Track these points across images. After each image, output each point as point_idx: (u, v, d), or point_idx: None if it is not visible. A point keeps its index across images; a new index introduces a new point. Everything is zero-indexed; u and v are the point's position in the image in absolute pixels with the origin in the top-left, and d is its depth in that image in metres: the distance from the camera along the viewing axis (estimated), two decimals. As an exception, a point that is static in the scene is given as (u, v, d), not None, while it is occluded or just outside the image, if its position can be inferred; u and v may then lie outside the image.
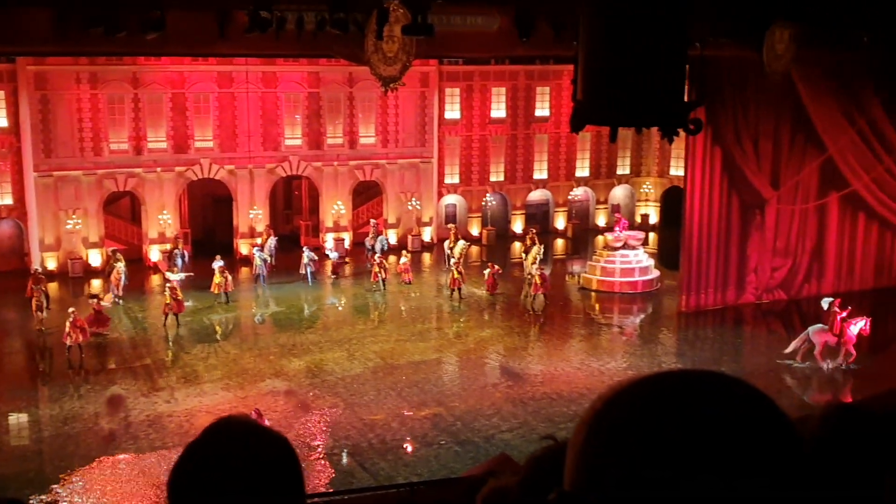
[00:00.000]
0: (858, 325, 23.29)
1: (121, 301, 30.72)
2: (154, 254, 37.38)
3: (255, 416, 18.34)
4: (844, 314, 23.57)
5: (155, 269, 36.53)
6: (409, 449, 19.41)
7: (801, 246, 30.02)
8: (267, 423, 18.60)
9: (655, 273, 32.87)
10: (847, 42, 23.21)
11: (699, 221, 28.46)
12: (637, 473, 1.11)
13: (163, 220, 37.84)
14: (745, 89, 27.17)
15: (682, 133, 5.90)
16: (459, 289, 31.09)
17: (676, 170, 40.67)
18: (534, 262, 32.90)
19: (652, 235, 41.59)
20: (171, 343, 26.75)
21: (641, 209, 46.16)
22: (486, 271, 31.93)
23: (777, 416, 1.18)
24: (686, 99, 5.66)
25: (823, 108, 28.08)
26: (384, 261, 33.33)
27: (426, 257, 39.89)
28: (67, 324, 24.10)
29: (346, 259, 37.43)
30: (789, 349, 24.09)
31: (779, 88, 26.09)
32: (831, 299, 24.80)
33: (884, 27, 22.45)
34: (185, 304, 28.57)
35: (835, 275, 30.42)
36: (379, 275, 32.22)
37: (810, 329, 23.89)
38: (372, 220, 40.38)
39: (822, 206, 29.92)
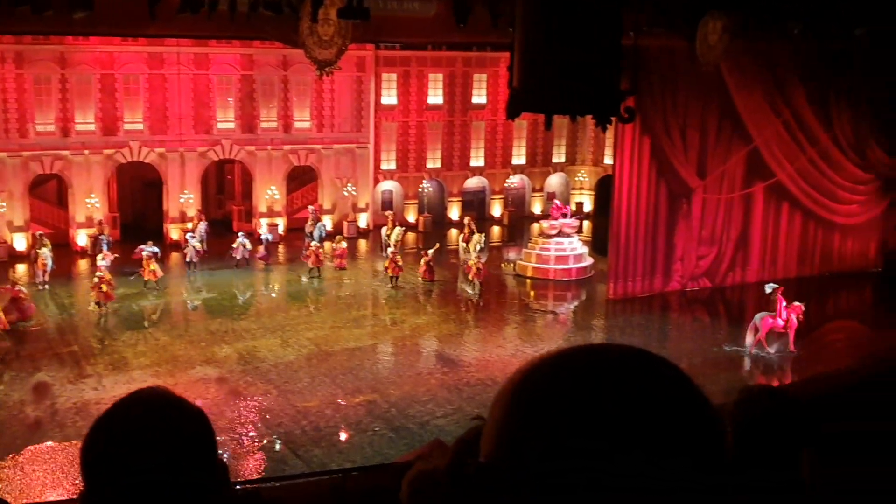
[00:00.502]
0: (796, 312, 23.98)
1: (47, 286, 30.14)
2: (81, 238, 36.75)
3: None
4: (785, 301, 24.19)
5: (82, 253, 35.93)
6: (344, 436, 19.40)
7: (726, 235, 30.45)
8: None
9: (589, 260, 33.23)
10: (778, 33, 23.64)
11: (627, 210, 28.73)
12: (554, 445, 1.11)
13: (90, 204, 37.21)
14: (674, 79, 27.47)
15: (615, 121, 5.97)
16: (396, 277, 31.06)
17: (611, 158, 40.99)
18: (474, 251, 33.10)
19: (586, 223, 42.00)
20: (99, 329, 26.28)
21: (576, 197, 46.60)
22: (423, 259, 31.92)
23: (697, 396, 1.19)
24: (620, 87, 5.73)
25: (750, 99, 28.50)
26: (321, 248, 33.15)
27: (362, 244, 39.81)
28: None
29: (278, 242, 37.00)
30: (748, 345, 24.37)
31: (707, 79, 26.44)
32: (775, 285, 25.39)
33: (813, 18, 22.89)
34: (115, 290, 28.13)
35: (759, 263, 31.01)
36: (318, 260, 32.08)
37: (756, 317, 24.43)
38: (310, 207, 40.11)
39: (748, 195, 30.37)
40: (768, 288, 25.26)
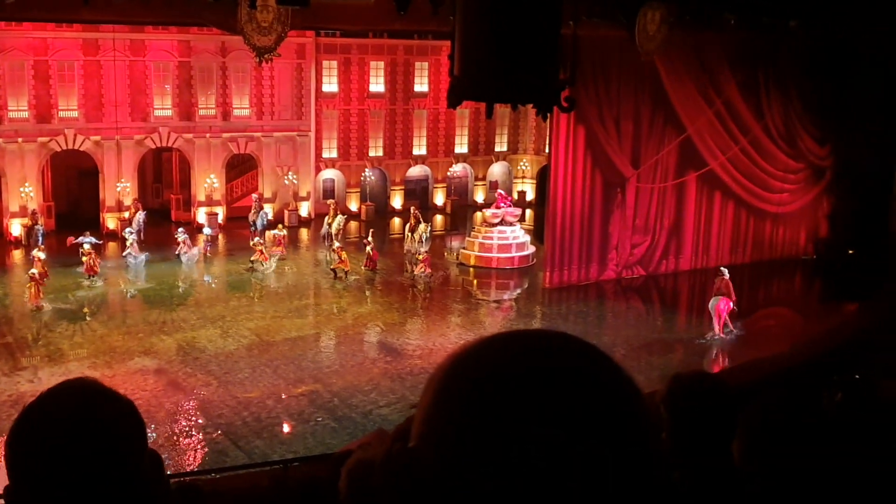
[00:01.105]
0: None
1: (-21, 277, 29.57)
2: (15, 228, 36.09)
3: None
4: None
5: (16, 243, 35.30)
6: (286, 427, 19.30)
7: (659, 223, 30.60)
8: None
9: (531, 249, 33.44)
10: (714, 24, 23.93)
11: (563, 199, 28.73)
12: (475, 427, 1.11)
13: (24, 193, 36.56)
14: (608, 69, 27.52)
15: (555, 111, 6.00)
16: (346, 272, 30.63)
17: (553, 147, 41.34)
18: (420, 241, 33.11)
19: (528, 212, 42.24)
20: (34, 321, 25.78)
21: (518, 186, 46.85)
22: (368, 248, 31.75)
23: (624, 380, 1.19)
24: (560, 77, 5.75)
25: (682, 89, 28.68)
26: (262, 241, 32.72)
27: (303, 233, 39.60)
28: None
29: (218, 234, 36.70)
30: (716, 330, 24.75)
31: (640, 69, 26.59)
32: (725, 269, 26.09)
33: (748, 9, 23.23)
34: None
35: (692, 251, 31.28)
36: (264, 254, 31.65)
37: (710, 304, 24.85)
38: (254, 195, 39.86)
39: (681, 184, 30.55)
40: (725, 272, 25.74)
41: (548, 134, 29.70)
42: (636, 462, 1.13)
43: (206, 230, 35.33)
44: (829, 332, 20.58)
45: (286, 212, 40.22)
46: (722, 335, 24.73)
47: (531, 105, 5.89)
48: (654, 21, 22.67)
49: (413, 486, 1.15)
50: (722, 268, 26.29)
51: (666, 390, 2.90)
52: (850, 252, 30.72)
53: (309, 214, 41.36)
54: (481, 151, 46.76)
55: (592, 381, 1.16)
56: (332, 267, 31.05)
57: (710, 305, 24.89)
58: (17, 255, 33.92)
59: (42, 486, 1.63)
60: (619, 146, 28.96)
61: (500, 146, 47.38)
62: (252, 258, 31.65)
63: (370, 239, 31.93)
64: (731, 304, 24.79)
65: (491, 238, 33.13)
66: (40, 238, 33.17)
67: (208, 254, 34.10)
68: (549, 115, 5.72)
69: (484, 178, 46.70)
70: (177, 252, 32.73)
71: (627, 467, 1.12)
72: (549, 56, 5.58)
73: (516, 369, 1.15)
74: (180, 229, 33.95)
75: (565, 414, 1.11)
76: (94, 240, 30.44)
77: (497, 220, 33.39)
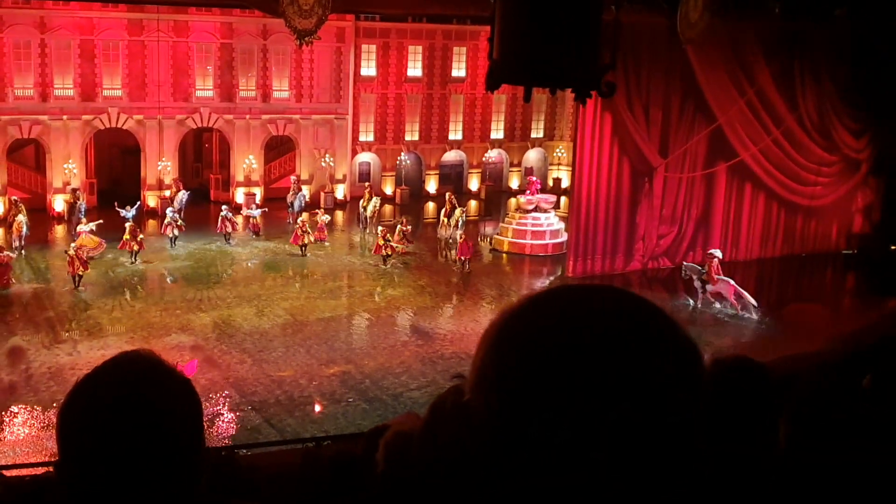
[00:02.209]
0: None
1: (23, 252, 29.90)
2: (58, 204, 36.50)
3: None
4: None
5: (59, 219, 35.71)
6: (317, 406, 19.39)
7: (687, 214, 30.13)
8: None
9: (566, 236, 33.23)
10: (759, 12, 23.55)
11: (588, 187, 28.35)
12: (532, 381, 1.10)
13: (68, 170, 36.95)
14: (639, 55, 27.01)
15: (594, 95, 5.93)
16: (386, 256, 30.52)
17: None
18: (456, 226, 33.10)
19: (564, 199, 42.02)
20: (74, 296, 26.06)
21: (554, 173, 46.59)
22: (401, 228, 31.73)
23: (675, 332, 1.17)
24: (601, 61, 5.68)
25: (714, 77, 28.19)
26: (306, 224, 32.56)
27: (339, 215, 39.65)
28: None
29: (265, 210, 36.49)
30: (742, 310, 25.31)
31: (671, 56, 26.20)
32: (718, 252, 26.73)
33: None
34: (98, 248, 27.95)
35: (720, 243, 30.47)
36: (301, 238, 31.58)
37: (718, 288, 25.18)
38: (293, 177, 40.01)
39: (710, 175, 30.08)
40: (718, 252, 26.34)
41: (574, 121, 29.34)
42: (675, 429, 1.11)
43: (254, 211, 35.15)
44: (870, 328, 20.25)
45: (322, 194, 40.32)
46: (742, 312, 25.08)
47: (570, 90, 5.83)
48: (697, 8, 22.39)
49: (470, 434, 1.15)
50: (712, 250, 26.57)
51: (708, 375, 2.83)
52: (893, 248, 30.22)
53: (345, 197, 41.45)
54: (517, 137, 46.54)
55: (639, 331, 1.14)
56: (382, 254, 30.61)
57: (717, 289, 25.17)
58: (60, 230, 34.29)
59: (93, 460, 1.60)
60: (647, 134, 28.51)
61: (537, 132, 47.11)
62: (302, 242, 31.52)
63: (404, 224, 31.88)
64: (730, 281, 25.27)
65: (525, 224, 32.98)
66: (82, 214, 33.49)
67: (259, 233, 34.05)
68: (588, 99, 5.65)
69: (519, 165, 46.49)
70: (222, 231, 32.95)
71: (665, 433, 1.10)
72: (591, 40, 5.51)
73: (561, 323, 1.14)
74: (224, 209, 34.10)
75: (614, 369, 1.09)
76: (131, 213, 30.62)
77: (531, 207, 33.22)
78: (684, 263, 27.28)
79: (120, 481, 1.58)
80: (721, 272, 25.65)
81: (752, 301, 25.09)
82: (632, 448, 1.08)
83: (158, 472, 1.60)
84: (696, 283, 25.77)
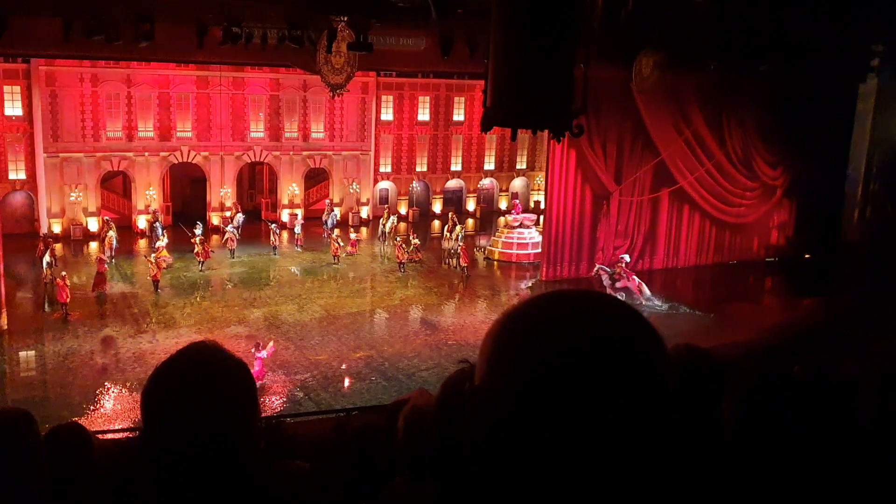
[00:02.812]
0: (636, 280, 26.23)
1: (113, 261, 29.95)
2: (141, 222, 36.59)
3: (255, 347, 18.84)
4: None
5: (141, 234, 35.77)
6: (347, 384, 19.35)
7: (637, 229, 29.76)
8: (265, 352, 18.62)
9: (543, 247, 33.14)
10: (698, 68, 23.52)
11: (557, 209, 28.18)
12: (524, 371, 1.08)
13: (149, 195, 37.06)
14: (598, 103, 26.73)
15: (566, 135, 5.91)
16: (402, 264, 30.56)
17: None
18: (457, 239, 33.10)
19: (542, 217, 41.88)
20: (154, 296, 26.10)
21: (535, 196, 46.52)
22: (414, 241, 31.72)
23: (647, 334, 1.14)
24: (572, 108, 5.66)
25: (659, 120, 27.97)
26: (340, 238, 32.55)
27: (363, 231, 39.65)
28: (59, 283, 23.39)
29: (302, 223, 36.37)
30: (648, 297, 25.85)
31: (623, 103, 26.15)
32: (627, 257, 27.47)
33: (726, 55, 22.77)
34: (167, 263, 27.87)
35: (664, 253, 30.45)
36: (338, 250, 31.63)
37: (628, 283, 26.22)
38: (327, 200, 40.06)
39: (655, 198, 29.76)
40: (626, 257, 27.12)
41: (546, 156, 29.31)
42: (656, 422, 1.08)
43: (298, 229, 35.11)
44: (792, 323, 20.13)
45: (350, 214, 40.34)
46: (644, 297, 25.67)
47: (547, 131, 5.81)
48: (649, 65, 22.36)
49: (480, 415, 1.11)
50: (623, 255, 27.25)
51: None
52: (807, 256, 30.10)
53: (368, 216, 41.45)
54: (505, 168, 46.54)
55: (625, 340, 1.11)
56: (400, 261, 30.62)
57: (624, 284, 25.87)
58: (142, 243, 34.36)
59: (170, 428, 1.59)
60: (605, 165, 28.33)
61: (521, 164, 47.10)
62: (338, 253, 31.52)
63: (415, 241, 31.86)
64: (633, 276, 25.98)
65: (512, 238, 32.96)
66: (159, 232, 33.50)
67: (302, 246, 33.89)
68: (562, 138, 5.63)
69: (507, 190, 46.47)
70: (271, 244, 32.96)
71: (649, 426, 1.06)
72: (564, 92, 5.50)
73: (556, 321, 1.12)
74: (273, 225, 34.09)
75: (600, 363, 1.07)
76: (199, 230, 30.67)
77: (517, 224, 33.21)
78: (597, 265, 27.43)
79: (192, 444, 1.57)
80: (627, 272, 25.95)
81: (649, 292, 25.73)
82: (623, 436, 1.05)
83: (223, 437, 1.59)
84: (606, 280, 26.11)
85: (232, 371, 1.66)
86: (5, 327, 21.32)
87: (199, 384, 1.60)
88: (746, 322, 24.35)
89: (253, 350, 18.66)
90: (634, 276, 25.97)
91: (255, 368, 18.18)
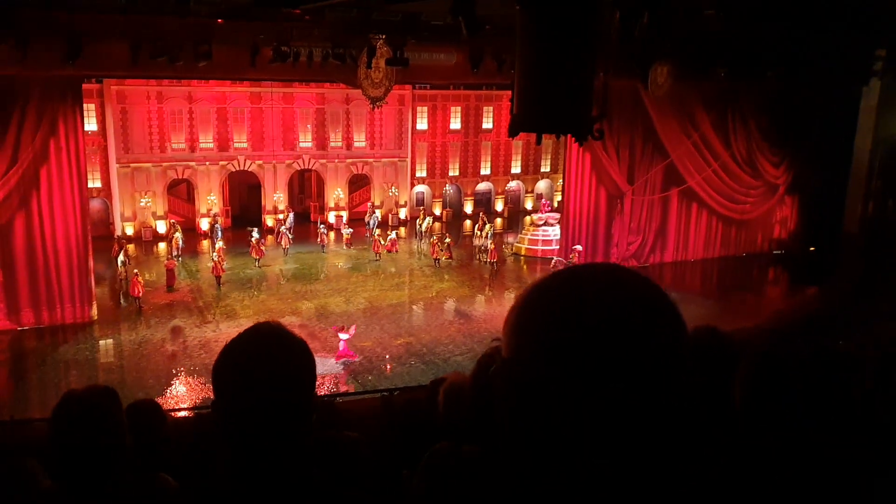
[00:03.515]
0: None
1: (180, 259, 30.41)
2: (203, 224, 37.04)
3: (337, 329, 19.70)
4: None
5: (203, 236, 36.23)
6: (389, 367, 19.45)
7: (648, 226, 29.33)
8: (348, 334, 19.25)
9: (566, 243, 32.92)
10: (709, 76, 23.16)
11: (574, 208, 27.98)
12: (546, 343, 1.04)
13: (210, 201, 37.46)
14: (611, 109, 26.37)
15: (589, 139, 5.88)
16: (437, 260, 30.73)
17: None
18: (487, 237, 33.05)
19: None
20: (216, 290, 26.46)
21: (558, 197, 46.11)
22: (447, 240, 31.79)
23: (676, 321, 1.08)
24: (592, 114, 5.64)
25: (668, 124, 27.56)
26: (381, 238, 32.68)
27: (402, 230, 39.74)
28: (133, 280, 23.81)
29: (351, 230, 36.46)
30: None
31: (635, 109, 25.88)
32: (579, 247, 27.25)
33: (735, 63, 22.42)
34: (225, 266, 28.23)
35: (674, 248, 29.98)
36: (379, 248, 31.83)
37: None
38: (369, 203, 40.21)
39: (665, 197, 29.31)
40: (579, 247, 27.02)
41: (563, 159, 28.98)
42: (671, 396, 1.03)
43: (345, 231, 35.23)
44: (794, 309, 19.76)
45: (390, 215, 40.44)
46: None
47: (570, 135, 5.79)
48: (663, 74, 22.07)
49: (507, 387, 1.08)
50: (575, 245, 27.11)
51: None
52: (812, 248, 29.51)
53: (406, 217, 41.51)
54: (531, 171, 46.30)
55: (644, 313, 1.05)
56: (435, 257, 30.84)
57: None
58: (205, 244, 34.81)
59: (238, 400, 1.62)
60: (618, 168, 27.97)
61: (545, 167, 46.79)
62: (379, 250, 31.62)
63: (448, 240, 31.90)
64: None
65: (537, 235, 32.80)
66: (219, 233, 33.89)
67: (351, 246, 33.99)
68: (585, 142, 5.61)
69: (532, 191, 46.24)
70: (320, 242, 33.21)
71: (664, 400, 1.02)
72: (585, 99, 5.48)
73: (584, 294, 1.07)
74: (322, 226, 34.33)
75: (618, 334, 1.02)
76: (258, 235, 31.03)
77: (542, 222, 33.04)
78: (554, 257, 27.20)
79: (258, 411, 1.60)
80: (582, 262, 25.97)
81: None
82: (639, 409, 1.00)
83: (285, 409, 1.62)
84: None
85: (293, 347, 1.69)
86: (95, 317, 21.74)
87: (265, 358, 1.63)
88: (753, 309, 24.04)
89: (338, 332, 19.10)
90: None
91: (339, 349, 19.02)
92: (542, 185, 46.72)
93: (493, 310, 24.61)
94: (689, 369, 1.06)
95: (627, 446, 1.02)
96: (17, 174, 19.44)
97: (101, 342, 20.94)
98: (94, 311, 21.77)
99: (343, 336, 19.23)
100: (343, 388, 17.32)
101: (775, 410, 1.85)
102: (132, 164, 35.71)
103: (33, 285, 20.38)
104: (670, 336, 1.05)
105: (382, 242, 31.91)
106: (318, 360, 1.71)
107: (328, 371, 18.65)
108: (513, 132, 5.76)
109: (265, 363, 1.62)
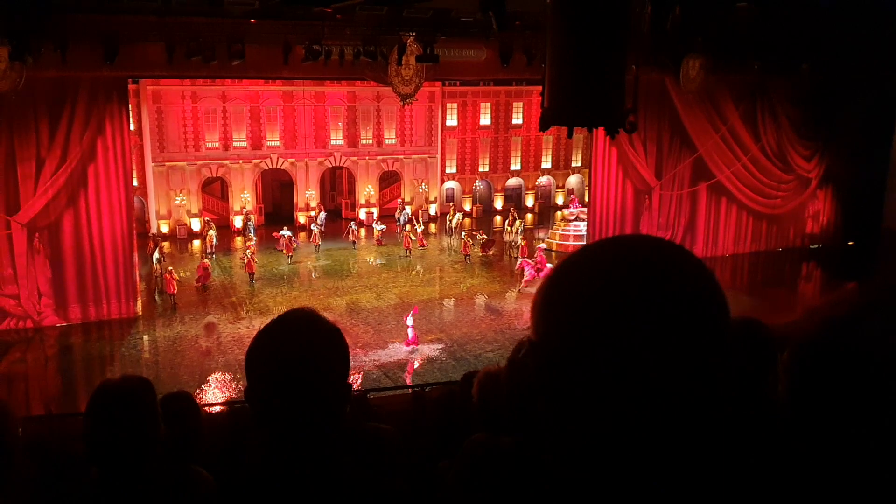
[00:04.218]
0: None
1: (213, 256, 30.78)
2: (237, 222, 37.44)
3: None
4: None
5: (237, 233, 36.62)
6: (420, 363, 19.47)
7: (677, 221, 28.76)
8: (411, 319, 19.92)
9: (597, 238, 32.61)
10: (742, 68, 22.76)
11: (600, 203, 27.55)
12: (583, 325, 0.96)
13: (243, 198, 37.85)
14: (636, 103, 25.99)
15: (620, 132, 5.79)
16: (467, 255, 30.71)
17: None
18: (517, 233, 32.92)
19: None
20: (250, 286, 26.73)
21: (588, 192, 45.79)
22: (479, 236, 31.76)
23: (714, 291, 0.99)
24: (625, 107, 5.56)
25: (695, 118, 27.02)
26: (410, 234, 32.79)
27: (432, 226, 39.77)
28: (167, 277, 24.11)
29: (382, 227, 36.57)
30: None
31: (662, 103, 25.43)
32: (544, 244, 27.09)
33: (769, 55, 21.97)
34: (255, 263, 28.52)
35: (703, 243, 29.32)
36: (409, 244, 31.93)
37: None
38: (399, 199, 40.32)
39: (694, 192, 28.74)
40: (544, 245, 28.04)
41: (589, 154, 28.55)
42: (709, 383, 0.94)
43: (377, 226, 35.36)
44: (836, 303, 19.29)
45: (420, 211, 40.48)
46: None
47: (602, 128, 5.71)
48: (695, 68, 21.72)
49: (539, 367, 1.01)
50: (542, 244, 27.31)
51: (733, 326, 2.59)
52: (850, 243, 28.81)
53: (436, 213, 41.53)
54: (561, 166, 46.00)
55: (684, 289, 0.96)
56: (465, 253, 30.86)
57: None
58: (238, 241, 35.18)
59: (271, 386, 1.60)
60: (645, 162, 27.47)
61: (576, 162, 46.45)
62: (409, 246, 31.73)
63: (480, 235, 31.85)
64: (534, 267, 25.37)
65: (569, 230, 32.59)
66: (252, 230, 34.23)
67: (382, 242, 34.07)
68: (616, 135, 5.53)
69: (563, 186, 45.93)
70: (351, 239, 33.38)
71: (701, 388, 0.93)
72: (618, 91, 5.40)
73: (603, 273, 0.97)
74: (352, 223, 34.49)
75: (652, 312, 0.93)
76: (290, 233, 31.28)
77: (573, 217, 32.83)
78: (521, 258, 27.08)
79: (291, 401, 1.58)
80: (543, 259, 25.90)
81: None
82: (674, 396, 0.92)
83: (318, 394, 1.60)
84: (530, 271, 25.40)
85: (327, 332, 1.68)
86: (140, 313, 22.10)
87: (298, 343, 1.61)
88: (791, 305, 23.60)
89: (406, 320, 19.47)
90: (549, 264, 25.06)
91: (409, 337, 19.84)
92: (573, 180, 46.38)
93: (524, 305, 24.47)
94: (729, 359, 0.97)
95: (663, 436, 0.94)
96: (65, 173, 19.89)
97: (137, 338, 21.29)
98: (139, 307, 22.14)
99: (409, 323, 19.71)
100: (370, 383, 17.38)
101: (827, 406, 1.77)
102: (167, 163, 36.22)
103: (80, 282, 20.81)
104: (714, 314, 0.96)
105: (412, 238, 31.98)
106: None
107: (359, 363, 18.72)
108: (544, 126, 5.70)
109: (298, 348, 1.60)
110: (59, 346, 19.96)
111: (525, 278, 25.35)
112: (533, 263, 25.26)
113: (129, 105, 21.82)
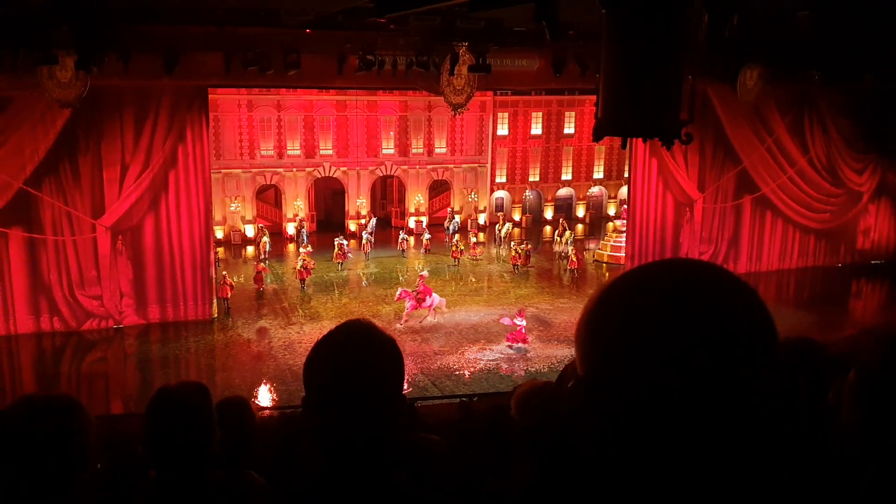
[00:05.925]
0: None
1: (267, 262, 31.28)
2: (290, 229, 38.02)
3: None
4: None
5: (290, 239, 37.15)
6: (467, 373, 19.42)
7: (720, 236, 27.83)
8: (519, 320, 20.23)
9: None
10: (801, 79, 22.17)
11: (640, 216, 26.72)
12: (628, 357, 0.93)
13: (297, 205, 38.44)
14: (694, 113, 25.21)
15: (672, 145, 5.70)
16: (516, 265, 30.64)
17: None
18: (566, 243, 32.62)
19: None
20: (301, 293, 27.07)
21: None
22: (521, 246, 31.61)
23: (762, 314, 0.96)
24: (680, 117, 5.47)
25: (740, 129, 26.14)
26: (460, 243, 32.79)
27: (481, 236, 39.71)
28: (222, 282, 24.53)
29: (430, 236, 36.68)
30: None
31: (705, 113, 24.53)
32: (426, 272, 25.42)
33: (829, 66, 21.36)
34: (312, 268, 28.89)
35: (747, 258, 28.26)
36: (458, 253, 32.01)
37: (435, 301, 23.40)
38: (449, 209, 40.45)
39: (738, 205, 27.80)
40: (426, 273, 25.15)
41: (628, 166, 27.78)
42: (763, 410, 0.91)
43: (426, 236, 35.53)
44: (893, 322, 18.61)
45: (469, 221, 40.51)
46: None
47: (658, 139, 5.63)
48: (753, 78, 21.23)
49: (585, 407, 0.98)
50: (423, 272, 25.22)
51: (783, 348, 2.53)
52: None
53: (485, 223, 41.50)
54: (613, 177, 45.51)
55: (732, 315, 0.93)
56: (514, 263, 30.78)
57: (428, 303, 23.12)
58: (291, 247, 35.72)
59: (329, 395, 1.62)
60: (686, 174, 26.61)
61: (628, 172, 45.83)
62: (458, 256, 31.72)
63: (529, 245, 31.69)
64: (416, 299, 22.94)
65: (620, 242, 32.05)
66: (305, 237, 34.69)
67: (430, 251, 34.20)
68: (672, 146, 5.44)
69: (615, 197, 45.42)
70: (401, 247, 33.58)
71: (755, 414, 0.90)
72: (674, 102, 5.32)
73: (658, 300, 0.93)
74: (402, 231, 34.70)
75: (700, 343, 0.90)
76: (344, 241, 31.60)
77: (625, 228, 32.32)
78: (400, 288, 24.09)
79: (348, 411, 1.60)
80: (426, 288, 23.46)
81: (445, 307, 23.43)
82: (728, 425, 0.89)
83: (374, 406, 1.61)
84: (410, 302, 22.96)
85: (384, 344, 1.69)
86: (215, 315, 22.59)
87: (356, 354, 1.63)
88: (850, 322, 22.77)
89: (515, 321, 19.51)
90: (433, 293, 23.53)
91: (520, 334, 20.29)
92: (625, 191, 45.75)
93: (573, 317, 24.15)
94: (782, 382, 0.96)
95: (719, 466, 0.91)
96: (148, 177, 20.62)
97: (192, 342, 21.76)
98: (214, 309, 22.66)
99: (518, 322, 19.69)
100: (418, 391, 17.39)
101: (890, 430, 1.71)
102: (223, 170, 37.00)
103: (160, 283, 21.48)
104: (761, 342, 0.93)
105: (462, 248, 32.00)
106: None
107: (406, 372, 18.72)
108: (597, 136, 5.65)
109: (356, 360, 1.61)
110: (138, 345, 20.55)
111: (406, 310, 22.92)
112: (413, 293, 23.80)
113: (209, 114, 22.39)
